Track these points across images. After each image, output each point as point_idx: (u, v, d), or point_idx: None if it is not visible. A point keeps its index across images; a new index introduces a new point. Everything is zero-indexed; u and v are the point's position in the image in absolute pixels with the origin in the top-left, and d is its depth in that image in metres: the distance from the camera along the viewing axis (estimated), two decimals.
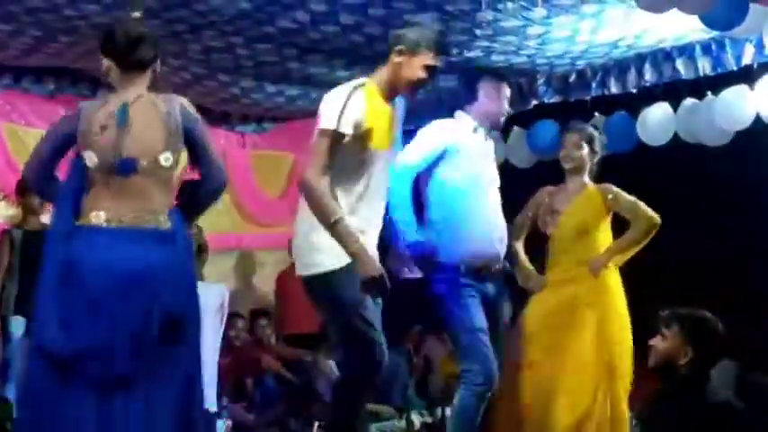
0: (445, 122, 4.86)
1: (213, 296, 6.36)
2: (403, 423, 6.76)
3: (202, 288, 3.90)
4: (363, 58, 6.80)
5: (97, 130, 3.55)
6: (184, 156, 3.68)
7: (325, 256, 3.90)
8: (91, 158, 3.55)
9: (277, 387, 7.66)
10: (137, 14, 3.85)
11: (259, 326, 8.14)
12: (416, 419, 6.28)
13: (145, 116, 3.58)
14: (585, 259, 4.96)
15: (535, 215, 5.21)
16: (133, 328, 3.41)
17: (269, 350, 8.03)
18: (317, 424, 6.87)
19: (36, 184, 3.76)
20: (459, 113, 4.91)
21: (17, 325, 6.77)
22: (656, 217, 4.97)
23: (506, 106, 4.93)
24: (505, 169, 7.80)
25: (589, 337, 4.81)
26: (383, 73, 4.18)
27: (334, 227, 3.83)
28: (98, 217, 3.53)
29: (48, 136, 3.75)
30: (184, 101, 3.69)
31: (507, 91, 4.95)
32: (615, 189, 5.08)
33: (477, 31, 6.10)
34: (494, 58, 6.69)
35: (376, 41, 6.32)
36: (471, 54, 6.57)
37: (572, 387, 4.73)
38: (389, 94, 4.16)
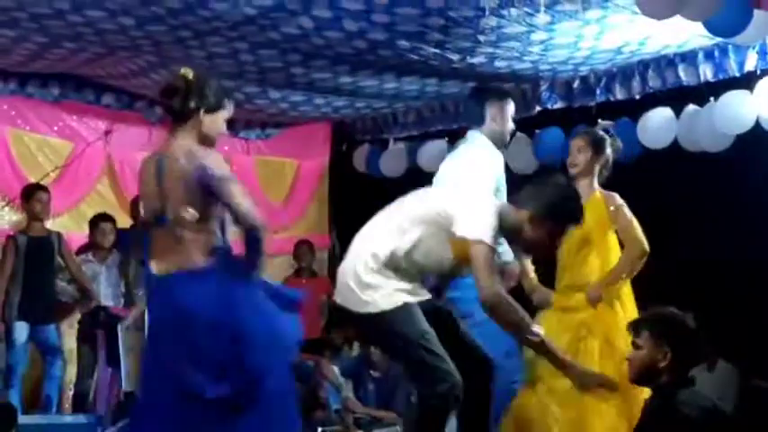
0: (485, 153, 4.89)
1: None
2: None
3: None
4: (367, 63, 6.82)
5: (144, 182, 3.91)
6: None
7: (380, 296, 3.92)
8: (141, 210, 3.98)
9: None
10: (187, 71, 3.94)
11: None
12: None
13: (171, 173, 3.79)
14: (586, 281, 4.88)
15: None
16: None
17: None
18: (320, 430, 6.88)
19: None
20: (474, 134, 4.95)
21: (21, 330, 6.80)
22: (645, 245, 4.83)
23: (511, 125, 5.03)
24: (507, 175, 7.82)
25: (593, 364, 4.69)
26: None
27: (540, 345, 3.88)
28: (153, 266, 3.87)
29: None
30: (209, 158, 3.81)
31: (512, 108, 5.03)
32: (619, 202, 4.95)
33: (481, 38, 6.10)
34: (497, 64, 6.69)
35: (380, 47, 6.34)
36: (475, 60, 6.58)
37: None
38: None
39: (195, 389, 3.61)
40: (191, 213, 3.75)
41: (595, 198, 4.99)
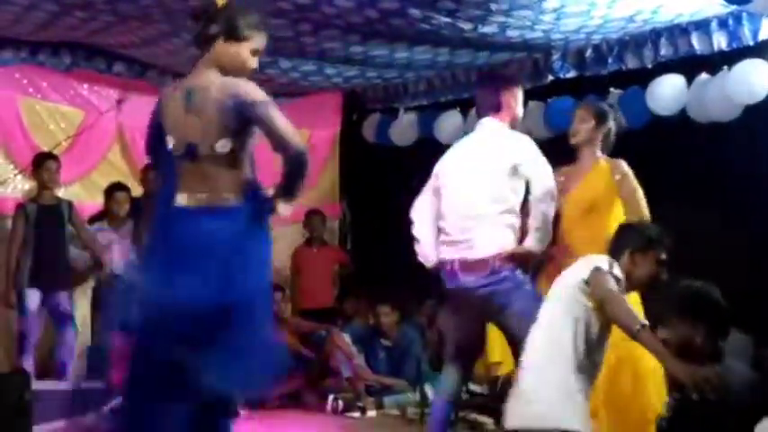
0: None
1: None
2: (417, 396, 6.79)
3: None
4: (378, 33, 6.80)
5: (169, 114, 3.79)
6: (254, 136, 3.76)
7: (578, 418, 3.78)
8: (169, 143, 3.77)
9: (292, 361, 7.69)
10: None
11: (274, 301, 8.17)
12: (430, 392, 6.31)
13: (204, 103, 3.69)
14: (587, 246, 4.89)
15: None
16: None
17: (284, 325, 8.07)
18: (331, 397, 6.93)
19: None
20: (493, 122, 4.93)
21: (32, 298, 6.85)
22: (646, 213, 4.87)
23: (521, 110, 5.05)
24: None
25: None
26: None
27: (639, 333, 3.67)
28: (182, 199, 3.71)
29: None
30: (242, 86, 3.70)
31: (521, 94, 5.03)
32: (625, 169, 4.99)
33: (493, 6, 6.07)
34: (509, 33, 6.66)
35: (391, 16, 6.31)
36: (486, 29, 6.55)
37: None
38: None
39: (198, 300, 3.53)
40: (223, 145, 3.67)
41: (601, 166, 5.05)
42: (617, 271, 3.84)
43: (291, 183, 3.72)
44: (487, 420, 6.06)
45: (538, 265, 4.97)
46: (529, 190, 4.69)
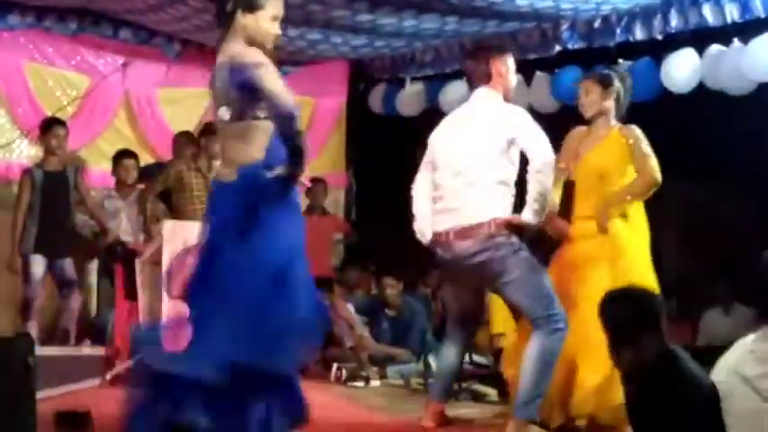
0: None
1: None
2: (420, 366, 6.80)
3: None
4: (386, 1, 6.76)
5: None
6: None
7: None
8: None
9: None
10: None
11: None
12: (434, 362, 6.31)
13: (214, 75, 3.79)
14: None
15: (567, 161, 5.12)
16: None
17: None
18: (335, 366, 6.93)
19: None
20: (484, 91, 4.89)
21: (37, 264, 6.84)
22: (657, 175, 4.82)
23: (515, 78, 5.01)
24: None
25: (600, 290, 4.66)
26: None
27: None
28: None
29: None
30: (238, 50, 3.73)
31: (512, 61, 4.98)
32: (636, 134, 4.93)
33: None
34: (518, 2, 6.62)
35: None
36: None
37: (593, 347, 4.57)
38: None
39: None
40: (224, 112, 3.72)
41: (613, 134, 5.01)
42: None
43: (288, 148, 3.64)
44: (491, 391, 6.05)
45: (536, 239, 4.96)
46: (527, 162, 4.66)
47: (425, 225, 4.90)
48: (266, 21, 3.82)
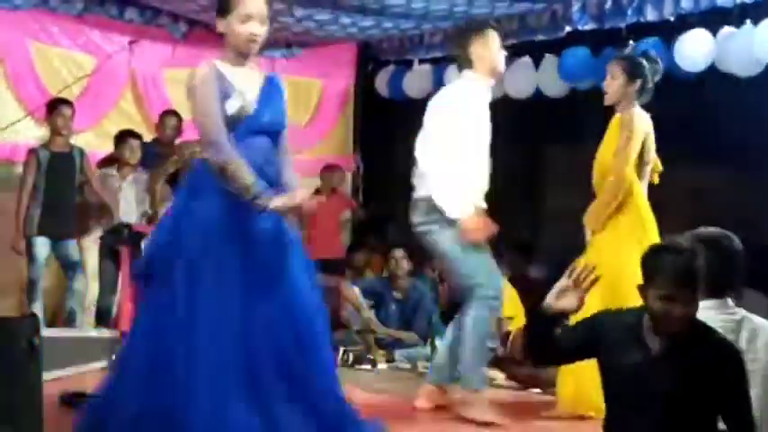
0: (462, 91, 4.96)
1: None
2: (428, 349, 6.77)
3: None
4: None
5: None
6: None
7: None
8: None
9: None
10: None
11: None
12: (441, 346, 6.28)
13: None
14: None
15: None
16: None
17: None
18: (342, 350, 6.90)
19: None
20: (467, 72, 4.96)
21: (41, 245, 6.81)
22: (624, 174, 4.68)
23: (501, 55, 4.97)
24: (539, 97, 7.71)
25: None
26: None
27: None
28: None
29: None
30: (194, 72, 3.63)
31: (497, 39, 4.94)
32: (626, 121, 4.76)
33: None
34: None
35: None
36: None
37: None
38: None
39: None
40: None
41: (614, 123, 4.88)
42: None
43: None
44: (499, 375, 6.03)
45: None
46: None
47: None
48: (236, 22, 3.64)
